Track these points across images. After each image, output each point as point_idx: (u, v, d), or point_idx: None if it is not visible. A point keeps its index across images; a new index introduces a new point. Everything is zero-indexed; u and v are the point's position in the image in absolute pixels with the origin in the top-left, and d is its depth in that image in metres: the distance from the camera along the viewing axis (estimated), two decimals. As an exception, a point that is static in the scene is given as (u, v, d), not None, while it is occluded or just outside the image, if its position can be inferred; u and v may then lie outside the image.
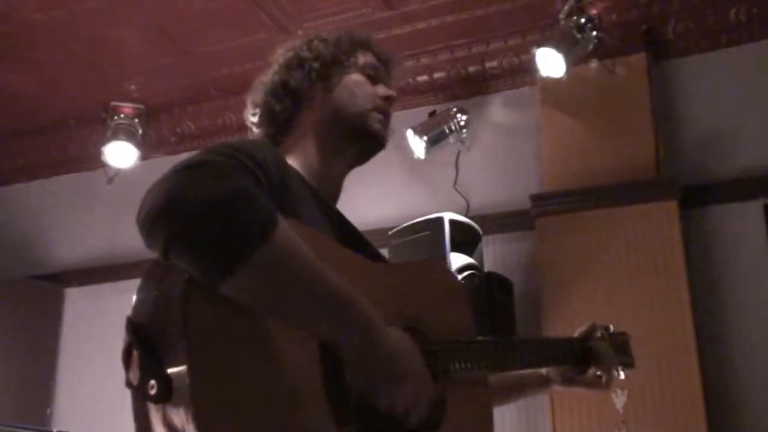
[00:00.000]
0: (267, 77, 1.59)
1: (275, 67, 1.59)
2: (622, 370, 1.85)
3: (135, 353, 1.12)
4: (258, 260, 1.07)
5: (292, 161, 1.47)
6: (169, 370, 1.07)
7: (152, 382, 1.08)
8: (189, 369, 1.04)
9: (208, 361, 1.06)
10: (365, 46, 1.62)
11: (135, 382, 1.12)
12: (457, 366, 1.39)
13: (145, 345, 1.11)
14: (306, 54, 1.57)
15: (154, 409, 1.10)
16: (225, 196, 1.07)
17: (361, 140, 1.55)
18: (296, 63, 1.56)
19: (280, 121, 1.56)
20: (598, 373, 1.79)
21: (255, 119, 1.59)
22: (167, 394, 1.07)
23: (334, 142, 1.53)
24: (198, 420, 1.03)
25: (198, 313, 1.07)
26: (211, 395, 1.05)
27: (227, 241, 1.06)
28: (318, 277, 1.15)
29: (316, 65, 1.55)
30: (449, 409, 1.36)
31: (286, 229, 1.12)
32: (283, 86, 1.55)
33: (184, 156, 1.19)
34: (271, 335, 1.14)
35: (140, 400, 1.12)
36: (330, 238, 1.35)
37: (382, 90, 1.58)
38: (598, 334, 1.84)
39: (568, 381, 1.81)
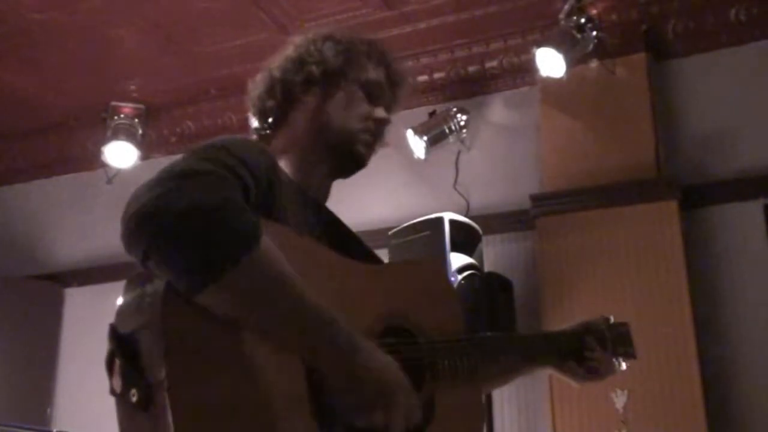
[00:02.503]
0: (272, 66, 1.55)
1: (281, 59, 1.55)
2: (624, 360, 1.79)
3: (117, 361, 1.12)
4: (232, 278, 1.07)
5: (282, 160, 1.46)
6: (149, 378, 1.07)
7: (133, 390, 1.08)
8: (167, 376, 1.04)
9: (186, 368, 1.06)
10: (381, 60, 1.55)
11: (118, 389, 1.12)
12: (446, 363, 1.38)
13: (127, 353, 1.11)
14: (310, 57, 1.51)
15: (137, 417, 1.10)
16: (210, 209, 1.07)
17: (342, 158, 1.51)
18: (298, 63, 1.52)
19: (272, 117, 1.53)
20: (592, 367, 1.72)
21: (251, 108, 1.57)
22: (147, 401, 1.07)
23: (318, 152, 1.50)
24: (177, 428, 1.02)
25: (176, 321, 1.07)
26: (190, 403, 1.04)
27: (205, 255, 1.06)
28: (297, 297, 1.13)
29: (316, 71, 1.50)
30: (438, 406, 1.36)
31: (267, 247, 1.11)
32: (280, 83, 1.52)
33: (183, 156, 1.19)
34: (254, 342, 1.13)
35: (124, 408, 1.12)
36: (315, 240, 1.33)
37: (378, 112, 1.52)
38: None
39: (563, 370, 1.74)
